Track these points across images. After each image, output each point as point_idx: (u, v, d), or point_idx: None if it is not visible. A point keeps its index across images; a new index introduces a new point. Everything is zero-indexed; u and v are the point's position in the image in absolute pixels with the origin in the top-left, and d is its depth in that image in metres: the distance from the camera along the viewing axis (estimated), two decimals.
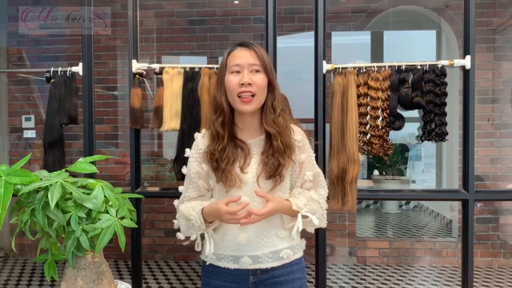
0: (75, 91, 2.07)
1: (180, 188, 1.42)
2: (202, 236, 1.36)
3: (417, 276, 3.63)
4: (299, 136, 1.35)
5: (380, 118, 1.91)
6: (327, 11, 1.96)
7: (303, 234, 1.41)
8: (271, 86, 1.31)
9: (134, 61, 2.00)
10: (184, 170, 1.40)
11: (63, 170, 1.43)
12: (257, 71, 1.28)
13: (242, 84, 1.25)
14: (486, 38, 3.90)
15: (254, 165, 1.30)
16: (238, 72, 1.28)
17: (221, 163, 1.27)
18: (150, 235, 4.00)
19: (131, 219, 1.45)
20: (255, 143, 1.33)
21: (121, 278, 3.40)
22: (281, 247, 1.31)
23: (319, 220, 1.31)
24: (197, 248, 1.37)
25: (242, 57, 1.28)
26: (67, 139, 2.27)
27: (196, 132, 1.42)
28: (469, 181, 1.93)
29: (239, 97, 1.27)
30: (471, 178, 1.93)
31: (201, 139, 1.37)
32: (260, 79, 1.27)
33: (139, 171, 2.06)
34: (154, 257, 4.05)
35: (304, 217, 1.28)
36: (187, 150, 1.40)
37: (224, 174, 1.27)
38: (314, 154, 1.40)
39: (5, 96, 4.17)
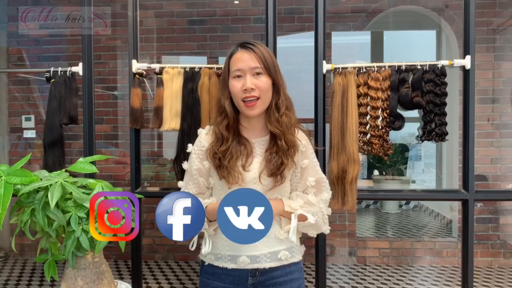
0: (75, 91, 2.07)
1: (180, 184, 1.42)
2: (200, 235, 1.36)
3: (417, 276, 3.63)
4: (303, 141, 1.35)
5: (380, 118, 1.90)
6: (327, 11, 1.96)
7: (304, 238, 1.40)
8: (275, 86, 1.31)
9: (134, 61, 2.00)
10: (185, 165, 1.40)
11: (63, 170, 1.43)
12: (259, 73, 1.27)
13: (245, 89, 1.26)
14: (486, 38, 3.90)
15: (256, 164, 1.30)
16: (240, 76, 1.28)
17: (223, 161, 1.28)
18: (150, 235, 4.00)
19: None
20: (259, 142, 1.33)
21: (121, 278, 3.40)
22: (279, 248, 1.31)
23: (316, 220, 1.29)
24: (191, 247, 1.36)
25: (243, 60, 1.27)
26: (67, 139, 2.27)
27: (200, 128, 1.42)
28: (469, 181, 1.93)
29: (243, 101, 1.27)
30: (471, 178, 1.93)
31: (204, 136, 1.37)
32: (263, 82, 1.27)
33: (139, 171, 2.06)
34: (154, 257, 4.05)
35: (302, 219, 1.28)
36: (189, 145, 1.40)
37: (227, 170, 1.27)
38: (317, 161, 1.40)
39: (5, 96, 4.17)
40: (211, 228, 1.31)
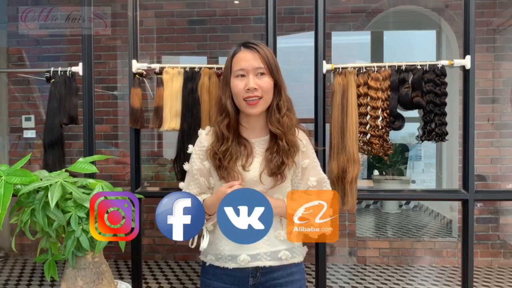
0: (75, 91, 2.07)
1: (181, 185, 1.42)
2: (199, 234, 1.36)
3: (417, 276, 3.63)
4: (303, 141, 1.36)
5: (380, 118, 1.90)
6: (327, 11, 1.96)
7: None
8: (277, 87, 1.31)
9: (134, 61, 2.00)
10: (186, 166, 1.40)
11: (63, 170, 1.43)
12: (262, 74, 1.28)
13: (248, 89, 1.26)
14: (486, 38, 3.90)
15: (256, 164, 1.30)
16: (243, 76, 1.28)
17: (223, 161, 1.28)
18: (150, 235, 4.00)
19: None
20: (259, 142, 1.33)
21: (121, 278, 3.40)
22: (280, 248, 1.31)
23: None
24: (192, 245, 1.36)
25: (247, 60, 1.27)
26: (67, 139, 2.27)
27: (200, 129, 1.43)
28: (469, 181, 1.93)
29: (245, 100, 1.27)
30: (471, 178, 1.93)
31: (205, 136, 1.37)
32: (265, 82, 1.27)
33: (139, 171, 2.06)
34: (154, 257, 4.05)
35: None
36: (190, 146, 1.40)
37: (226, 171, 1.27)
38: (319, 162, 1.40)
39: (5, 96, 4.17)
40: (209, 223, 1.31)
